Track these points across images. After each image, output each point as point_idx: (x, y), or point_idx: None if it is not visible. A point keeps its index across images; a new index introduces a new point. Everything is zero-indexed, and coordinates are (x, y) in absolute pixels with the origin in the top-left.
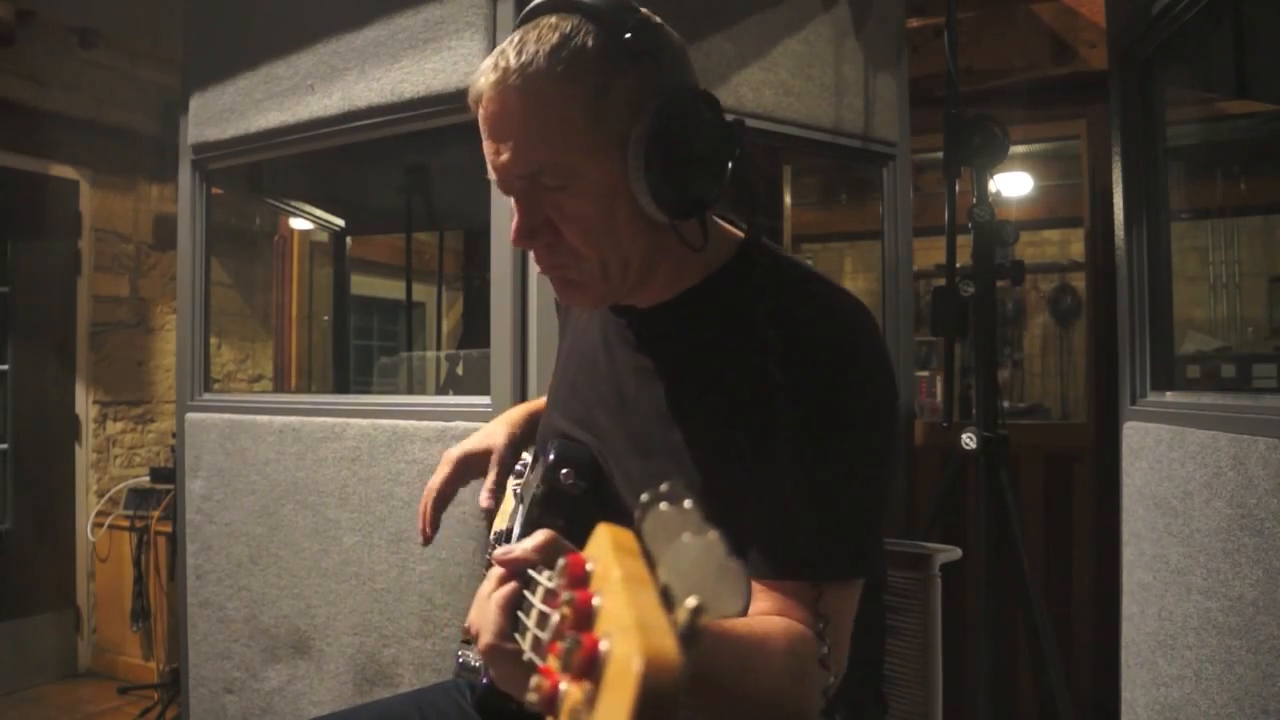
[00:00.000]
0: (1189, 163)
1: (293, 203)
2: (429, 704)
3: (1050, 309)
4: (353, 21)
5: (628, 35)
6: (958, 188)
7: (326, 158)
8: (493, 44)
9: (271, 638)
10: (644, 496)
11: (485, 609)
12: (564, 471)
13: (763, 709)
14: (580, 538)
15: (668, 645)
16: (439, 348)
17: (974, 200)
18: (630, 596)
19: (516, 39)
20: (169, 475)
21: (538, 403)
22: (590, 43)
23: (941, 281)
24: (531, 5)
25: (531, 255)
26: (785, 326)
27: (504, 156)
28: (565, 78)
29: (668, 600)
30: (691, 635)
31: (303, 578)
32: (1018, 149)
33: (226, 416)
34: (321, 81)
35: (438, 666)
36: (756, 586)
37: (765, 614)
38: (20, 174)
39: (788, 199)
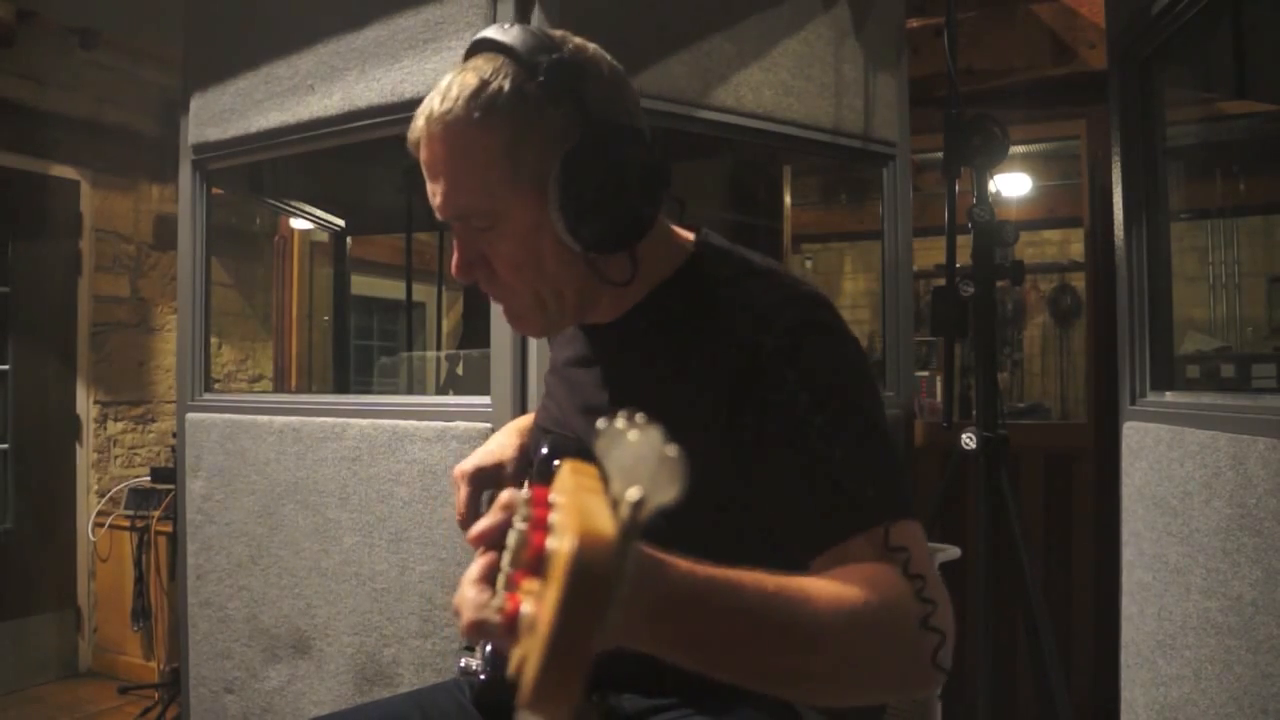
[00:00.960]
0: (1189, 163)
1: (293, 203)
2: (429, 703)
3: (1050, 309)
4: (353, 21)
5: (540, 78)
6: (958, 188)
7: (326, 158)
8: None
9: (272, 638)
10: (599, 422)
11: (461, 588)
12: (555, 464)
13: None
14: None
15: (601, 528)
16: (439, 348)
17: (974, 200)
18: (578, 502)
19: (445, 82)
20: (169, 475)
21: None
22: (507, 86)
23: (941, 281)
24: (471, 41)
25: None
26: (753, 310)
27: (437, 199)
28: (481, 125)
29: (618, 504)
30: (633, 526)
31: (303, 578)
32: (1018, 149)
33: (227, 416)
34: (322, 81)
35: (438, 666)
36: (821, 562)
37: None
38: (20, 174)
39: (788, 199)
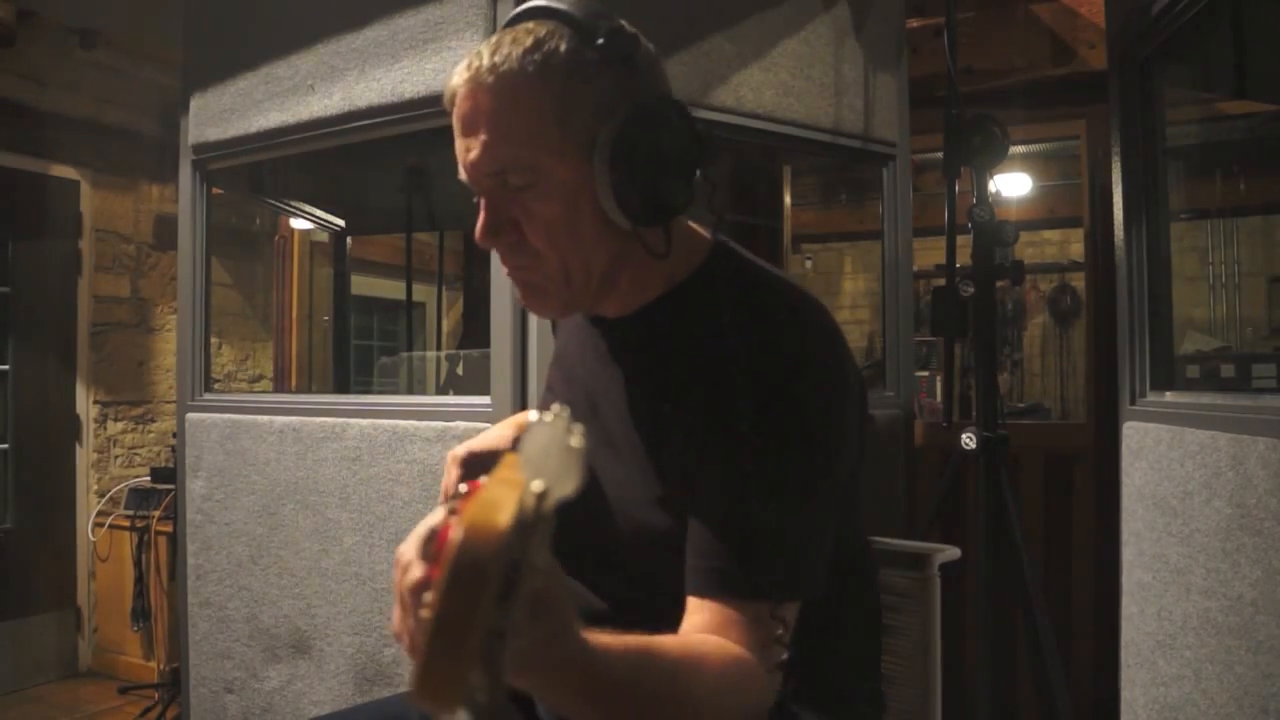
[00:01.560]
0: (1189, 163)
1: (293, 203)
2: None
3: (1050, 309)
4: (353, 21)
5: (600, 41)
6: (958, 188)
7: (326, 158)
8: None
9: (272, 638)
10: (530, 414)
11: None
12: None
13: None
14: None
15: (491, 518)
16: (439, 348)
17: (974, 200)
18: (486, 494)
19: (493, 41)
20: (169, 475)
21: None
22: (563, 47)
23: (941, 281)
24: (513, 13)
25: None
26: (746, 341)
27: (473, 153)
28: (536, 78)
29: (525, 495)
30: (535, 517)
31: (303, 578)
32: (1018, 149)
33: (227, 416)
34: (321, 81)
35: None
36: (693, 601)
37: (699, 629)
38: (20, 174)
39: (788, 199)
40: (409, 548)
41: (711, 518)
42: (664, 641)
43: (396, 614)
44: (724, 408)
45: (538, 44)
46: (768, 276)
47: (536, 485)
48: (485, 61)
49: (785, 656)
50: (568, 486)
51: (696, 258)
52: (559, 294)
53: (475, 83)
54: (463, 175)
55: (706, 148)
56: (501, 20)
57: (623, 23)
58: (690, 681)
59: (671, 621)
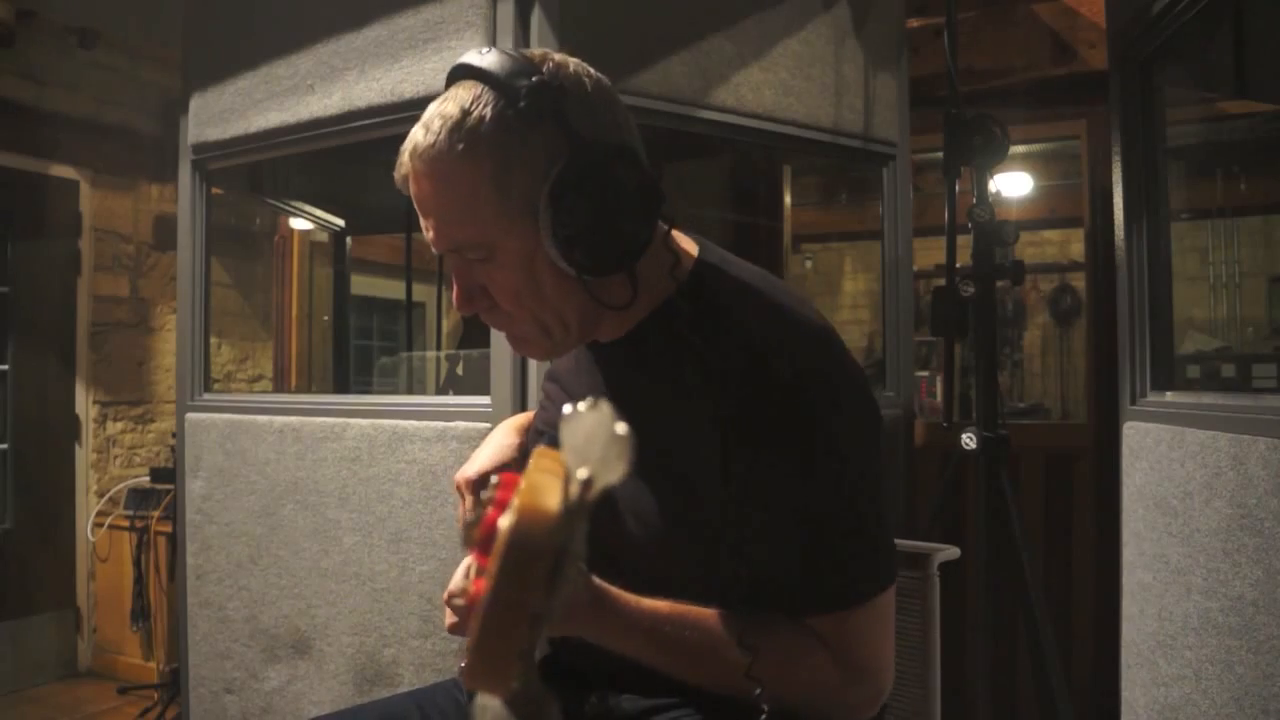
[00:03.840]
0: (1189, 163)
1: (293, 203)
2: (429, 703)
3: (1050, 309)
4: (353, 21)
5: (522, 104)
6: (958, 188)
7: (326, 158)
8: (493, 44)
9: (271, 638)
10: (565, 408)
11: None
12: None
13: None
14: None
15: (543, 503)
16: (439, 348)
17: (974, 200)
18: (531, 481)
19: (429, 113)
20: (169, 475)
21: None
22: (488, 114)
23: (941, 281)
24: (451, 68)
25: None
26: (756, 340)
27: (430, 233)
28: (465, 157)
29: (569, 483)
30: (581, 503)
31: (303, 578)
32: (1018, 149)
33: (226, 416)
34: (321, 81)
35: (438, 666)
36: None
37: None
38: (20, 174)
39: (788, 199)
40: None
41: (777, 534)
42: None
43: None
44: (726, 420)
45: (464, 115)
46: (756, 279)
47: (582, 472)
48: (420, 143)
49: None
50: (615, 473)
51: (684, 269)
52: (541, 344)
53: (414, 168)
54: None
55: (656, 186)
56: (501, 20)
57: (556, 63)
58: (757, 641)
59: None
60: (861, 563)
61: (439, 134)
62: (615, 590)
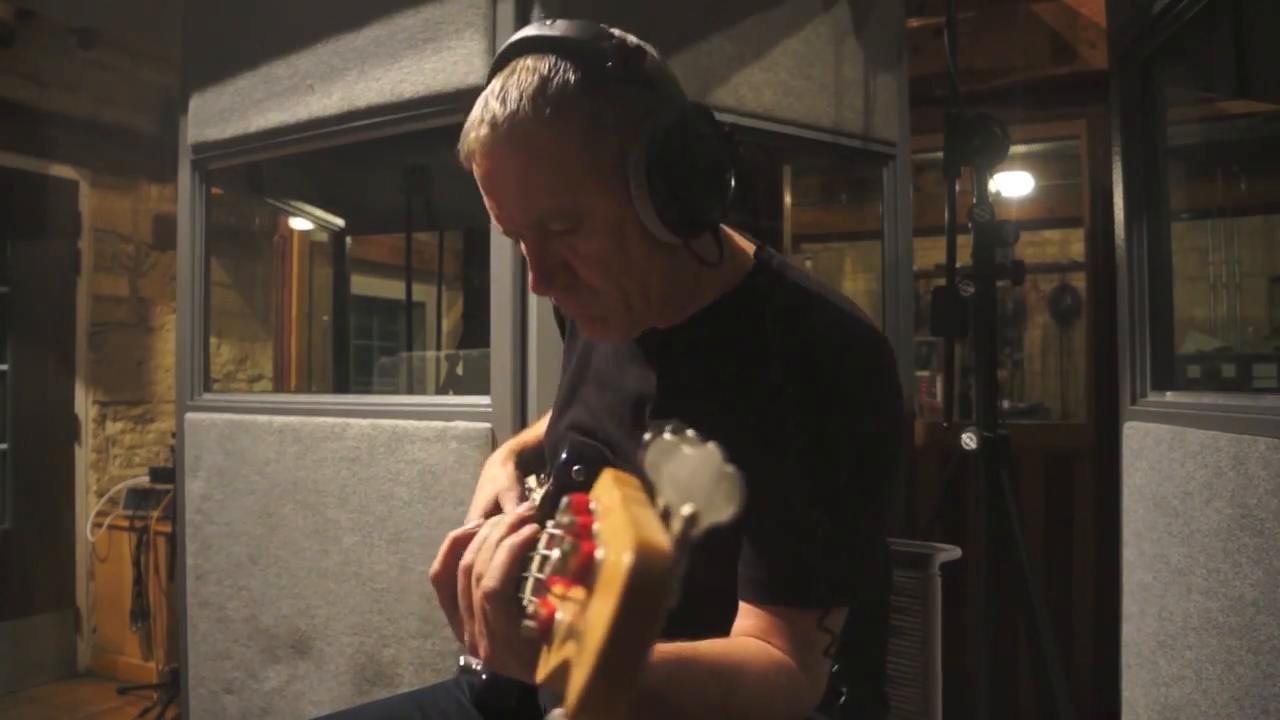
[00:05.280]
0: (1189, 163)
1: (293, 203)
2: (429, 703)
3: (1050, 309)
4: (353, 21)
5: (608, 64)
6: (958, 188)
7: (326, 158)
8: (493, 44)
9: (271, 638)
10: (646, 434)
11: (491, 554)
12: (575, 469)
13: None
14: None
15: (659, 540)
16: (439, 348)
17: (974, 200)
18: (627, 514)
19: (497, 88)
20: (169, 475)
21: (524, 436)
22: (572, 78)
23: (941, 281)
24: (504, 48)
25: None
26: (802, 360)
27: (508, 210)
28: (554, 121)
29: (667, 517)
30: (685, 541)
31: (302, 578)
32: (1018, 149)
33: (226, 416)
34: (321, 81)
35: (438, 666)
36: (744, 606)
37: (747, 634)
38: (20, 174)
39: (788, 199)
40: (471, 557)
41: (766, 526)
42: (703, 647)
43: (469, 625)
44: (778, 417)
45: (545, 82)
46: (815, 285)
47: (687, 508)
48: (498, 114)
49: (835, 668)
50: (724, 512)
51: (743, 266)
52: (622, 321)
53: (492, 140)
54: (498, 228)
55: (737, 145)
56: (501, 20)
57: (624, 36)
58: (730, 687)
59: (712, 627)
60: (832, 570)
61: (519, 102)
62: None
